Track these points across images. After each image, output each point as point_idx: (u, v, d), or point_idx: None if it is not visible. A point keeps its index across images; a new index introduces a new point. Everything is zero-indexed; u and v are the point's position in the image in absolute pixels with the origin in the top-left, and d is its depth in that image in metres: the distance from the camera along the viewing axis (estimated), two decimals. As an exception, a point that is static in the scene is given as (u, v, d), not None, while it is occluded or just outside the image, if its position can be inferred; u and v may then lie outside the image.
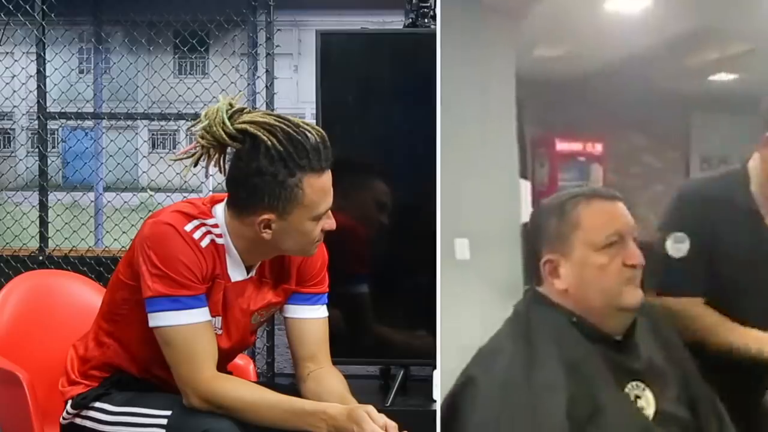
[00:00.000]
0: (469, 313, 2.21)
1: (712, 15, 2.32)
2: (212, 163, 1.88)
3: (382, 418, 1.78)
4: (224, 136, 1.83)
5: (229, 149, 1.86)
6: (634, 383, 1.99)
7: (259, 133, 1.80)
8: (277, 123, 1.82)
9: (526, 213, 2.28)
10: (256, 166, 1.80)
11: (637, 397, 1.99)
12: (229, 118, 1.83)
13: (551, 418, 1.95)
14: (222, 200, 1.93)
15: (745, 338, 2.16)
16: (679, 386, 2.04)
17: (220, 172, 1.90)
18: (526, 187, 2.32)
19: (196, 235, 1.86)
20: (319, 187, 1.83)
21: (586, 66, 2.35)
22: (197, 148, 1.88)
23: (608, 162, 2.36)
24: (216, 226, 1.90)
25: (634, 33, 2.34)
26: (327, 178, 1.84)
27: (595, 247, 2.01)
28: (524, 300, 2.11)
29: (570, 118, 2.37)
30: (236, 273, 1.93)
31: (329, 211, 1.88)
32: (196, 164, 1.90)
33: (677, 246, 2.18)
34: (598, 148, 2.39)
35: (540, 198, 2.30)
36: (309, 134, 1.82)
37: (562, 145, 2.40)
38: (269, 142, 1.79)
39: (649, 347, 2.05)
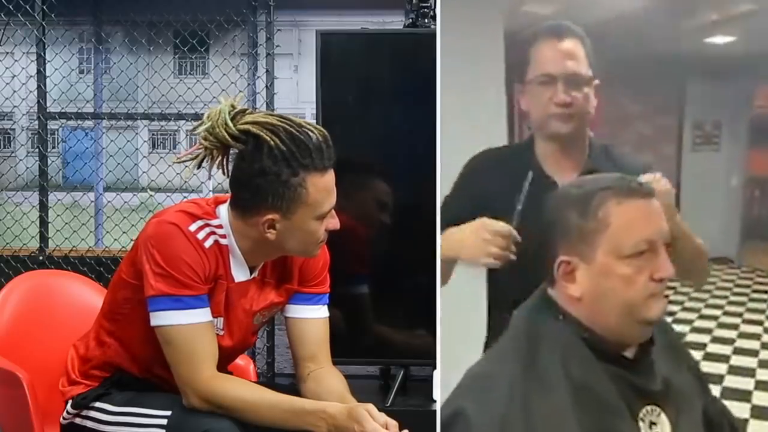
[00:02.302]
0: (469, 313, 2.21)
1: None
2: (215, 164, 1.89)
3: (383, 417, 1.79)
4: (227, 137, 1.83)
5: (231, 150, 1.87)
6: (648, 408, 1.78)
7: (261, 134, 1.80)
8: (279, 123, 1.82)
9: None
10: (259, 167, 1.80)
11: (653, 423, 1.78)
12: (232, 119, 1.84)
13: None
14: (225, 201, 1.93)
15: None
16: (697, 410, 1.85)
17: (223, 174, 1.90)
18: None
19: (200, 235, 1.87)
20: (322, 186, 1.83)
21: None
22: (200, 150, 1.89)
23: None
24: (220, 226, 1.90)
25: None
26: (330, 177, 1.85)
27: (622, 255, 1.76)
28: (530, 305, 1.88)
29: None
30: (239, 273, 1.93)
31: (333, 211, 1.88)
32: (199, 166, 1.91)
33: None
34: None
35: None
36: (311, 134, 1.83)
37: None
38: (272, 142, 1.79)
39: (666, 365, 1.82)
